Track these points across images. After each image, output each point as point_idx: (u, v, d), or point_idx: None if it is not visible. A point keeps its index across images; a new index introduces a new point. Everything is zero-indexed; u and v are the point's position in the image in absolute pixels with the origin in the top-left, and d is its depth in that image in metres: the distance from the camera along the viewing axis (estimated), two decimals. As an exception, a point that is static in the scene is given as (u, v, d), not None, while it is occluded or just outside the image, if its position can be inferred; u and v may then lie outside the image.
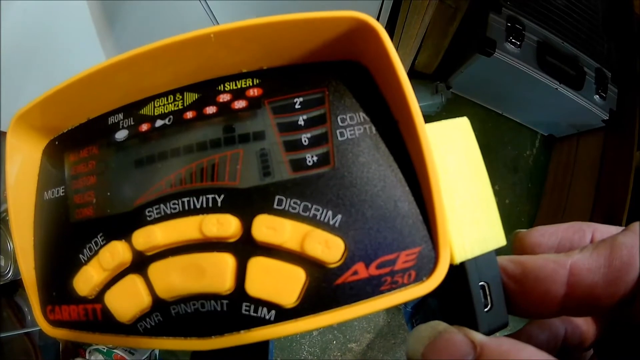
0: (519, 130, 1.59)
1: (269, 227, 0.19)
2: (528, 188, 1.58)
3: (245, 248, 0.20)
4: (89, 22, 0.63)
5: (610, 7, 1.45)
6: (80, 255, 0.22)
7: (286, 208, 0.20)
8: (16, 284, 0.74)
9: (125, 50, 0.21)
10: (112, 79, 0.22)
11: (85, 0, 0.62)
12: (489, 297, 0.22)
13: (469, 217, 0.22)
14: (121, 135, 0.23)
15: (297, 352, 1.25)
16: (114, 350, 0.84)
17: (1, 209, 0.68)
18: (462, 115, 0.23)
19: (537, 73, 1.23)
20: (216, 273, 0.19)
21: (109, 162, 0.23)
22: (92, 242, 0.22)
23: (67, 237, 0.23)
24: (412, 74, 1.44)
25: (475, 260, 0.22)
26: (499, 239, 0.22)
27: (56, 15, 0.59)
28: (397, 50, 0.23)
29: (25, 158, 0.25)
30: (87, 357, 0.78)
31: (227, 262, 0.19)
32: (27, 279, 0.24)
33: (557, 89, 1.26)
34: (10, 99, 0.54)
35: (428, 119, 0.18)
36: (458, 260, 0.21)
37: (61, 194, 0.24)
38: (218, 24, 0.64)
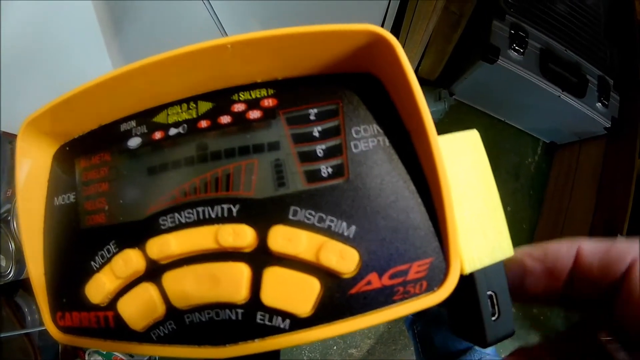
0: (520, 138, 1.59)
1: (284, 238, 0.19)
2: (530, 195, 1.58)
3: (260, 258, 0.20)
4: (94, 22, 0.63)
5: (613, 14, 1.46)
6: (92, 263, 0.22)
7: (301, 219, 0.20)
8: (17, 285, 0.74)
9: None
10: (125, 86, 0.22)
11: (91, 0, 0.62)
12: (496, 306, 0.23)
13: (479, 228, 0.22)
14: (134, 142, 0.23)
15: (298, 357, 1.25)
16: (114, 353, 0.83)
17: (1, 210, 0.68)
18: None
19: (539, 80, 1.24)
20: (231, 282, 0.20)
21: (121, 169, 0.23)
22: (104, 250, 0.22)
23: (78, 244, 0.23)
24: (415, 80, 1.43)
25: (484, 270, 0.22)
26: (507, 250, 0.23)
27: (60, 14, 0.59)
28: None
29: (35, 163, 0.24)
30: (86, 359, 0.78)
31: (242, 271, 0.20)
32: (37, 284, 0.24)
33: (559, 96, 1.27)
34: (11, 99, 0.54)
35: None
36: (468, 270, 0.21)
37: (72, 200, 0.24)
38: (223, 27, 0.64)
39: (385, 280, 0.19)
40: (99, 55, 0.65)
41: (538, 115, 1.44)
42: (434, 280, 0.20)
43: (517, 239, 0.28)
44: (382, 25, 0.78)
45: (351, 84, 0.22)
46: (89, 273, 0.22)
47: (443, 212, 0.19)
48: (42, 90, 0.57)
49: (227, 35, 0.62)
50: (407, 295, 0.19)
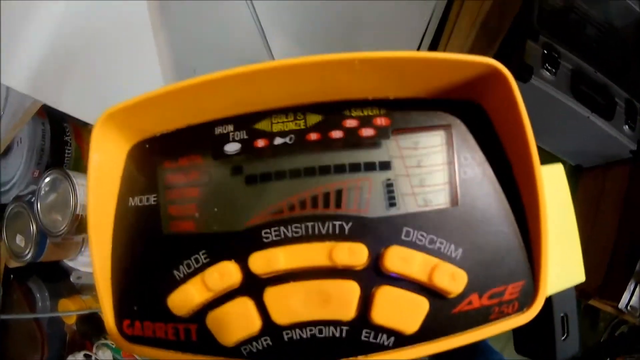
0: (547, 159, 1.57)
1: (400, 258, 0.20)
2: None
3: (371, 276, 0.20)
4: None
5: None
6: (175, 272, 0.21)
7: (413, 240, 0.20)
8: (32, 269, 0.72)
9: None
10: (226, 88, 0.21)
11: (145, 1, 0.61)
12: (566, 327, 0.25)
13: (560, 255, 0.24)
14: (232, 148, 0.22)
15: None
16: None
17: (26, 191, 0.66)
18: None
19: (570, 100, 1.23)
20: (342, 300, 0.20)
21: (215, 174, 0.22)
22: (192, 259, 0.21)
23: (158, 251, 0.22)
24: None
25: (560, 293, 0.24)
26: (581, 276, 0.25)
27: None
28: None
29: (109, 159, 0.23)
30: (94, 352, 0.75)
31: (354, 289, 0.20)
32: (102, 288, 0.22)
33: (588, 117, 1.26)
34: (52, 80, 0.52)
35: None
36: (549, 293, 0.23)
37: (152, 203, 0.22)
38: (263, 30, 0.63)
39: (485, 301, 0.20)
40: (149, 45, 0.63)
41: (565, 137, 1.42)
42: (524, 301, 0.21)
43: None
44: (423, 38, 0.78)
45: (458, 111, 0.22)
46: (172, 283, 0.21)
47: (538, 239, 0.21)
48: (87, 73, 0.56)
49: (265, 38, 0.63)
50: (501, 315, 0.21)
